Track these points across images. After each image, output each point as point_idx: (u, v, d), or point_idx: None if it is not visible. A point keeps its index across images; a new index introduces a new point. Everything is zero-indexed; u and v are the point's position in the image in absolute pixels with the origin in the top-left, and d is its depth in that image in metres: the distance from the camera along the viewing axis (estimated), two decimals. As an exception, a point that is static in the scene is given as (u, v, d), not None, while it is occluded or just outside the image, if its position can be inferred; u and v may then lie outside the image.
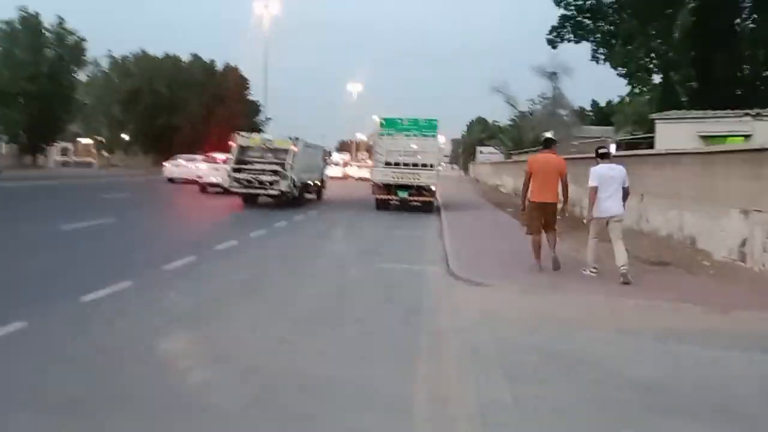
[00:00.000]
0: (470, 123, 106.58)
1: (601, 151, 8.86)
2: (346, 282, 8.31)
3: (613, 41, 22.08)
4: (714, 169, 10.73)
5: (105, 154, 60.35)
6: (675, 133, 18.46)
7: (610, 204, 8.37)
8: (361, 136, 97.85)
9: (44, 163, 48.53)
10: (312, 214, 18.26)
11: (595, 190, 8.35)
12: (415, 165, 19.89)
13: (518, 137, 48.41)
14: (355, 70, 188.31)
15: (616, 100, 68.46)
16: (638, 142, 26.72)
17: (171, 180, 31.17)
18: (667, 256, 10.64)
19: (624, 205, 8.61)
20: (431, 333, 5.76)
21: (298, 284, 7.94)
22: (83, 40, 47.86)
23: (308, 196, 22.05)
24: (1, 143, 47.32)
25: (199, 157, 32.28)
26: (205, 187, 24.77)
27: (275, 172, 18.59)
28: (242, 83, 71.07)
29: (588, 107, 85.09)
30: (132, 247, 10.31)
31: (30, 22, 45.01)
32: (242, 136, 20.36)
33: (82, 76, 53.34)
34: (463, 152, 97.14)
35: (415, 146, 19.98)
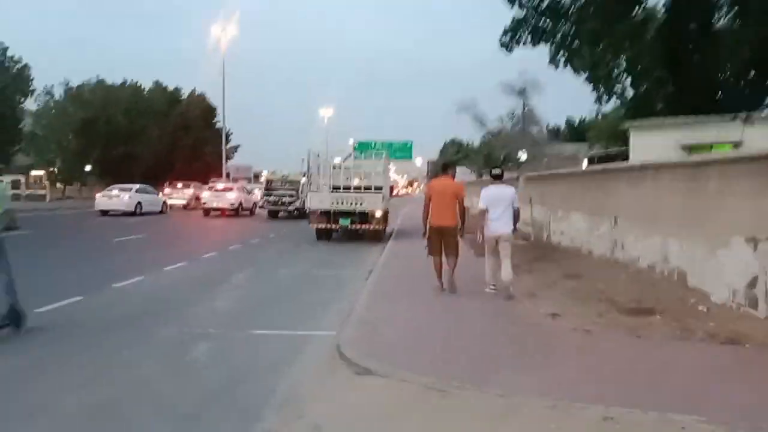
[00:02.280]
0: (444, 145, 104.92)
1: (494, 172, 9.42)
2: (175, 365, 5.59)
3: (576, 42, 19.76)
4: (705, 185, 8.21)
5: (59, 185, 57.11)
6: (652, 142, 16.02)
7: (498, 224, 8.65)
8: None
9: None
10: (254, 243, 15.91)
11: (482, 212, 8.78)
12: (357, 188, 17.34)
13: (489, 156, 46.26)
14: (327, 95, 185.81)
15: (590, 117, 67.20)
16: (612, 157, 24.50)
17: (104, 213, 28.20)
18: (649, 298, 8.06)
19: (514, 226, 8.88)
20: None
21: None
22: (26, 67, 45.22)
23: None
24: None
25: (134, 186, 30.11)
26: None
27: (292, 196, 28.40)
28: (209, 111, 68.70)
29: (563, 125, 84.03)
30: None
31: (-31, 50, 42.35)
32: (270, 172, 31.67)
33: (30, 105, 50.67)
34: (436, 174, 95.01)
35: (358, 167, 17.46)
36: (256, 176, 63.76)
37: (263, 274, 11.62)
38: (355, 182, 17.33)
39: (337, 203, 16.77)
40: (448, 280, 8.93)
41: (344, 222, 16.88)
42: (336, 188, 17.34)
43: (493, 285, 8.76)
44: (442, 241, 8.91)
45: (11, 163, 46.85)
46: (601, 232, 12.39)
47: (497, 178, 9.19)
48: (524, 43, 20.39)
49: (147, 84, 64.24)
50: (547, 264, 12.00)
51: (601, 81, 21.93)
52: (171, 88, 68.70)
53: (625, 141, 36.11)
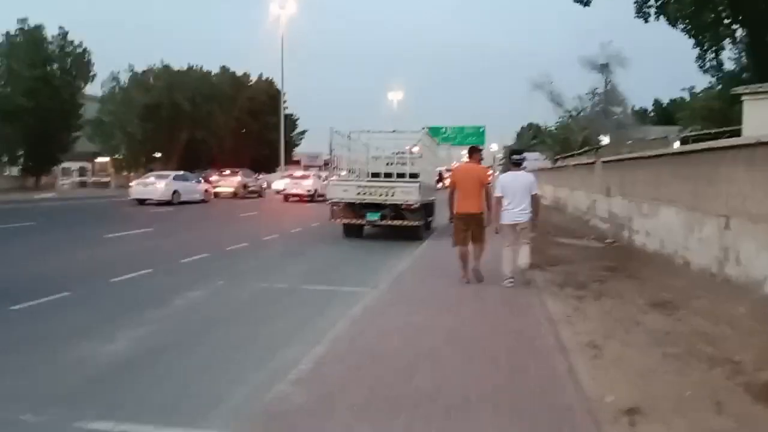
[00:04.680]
0: (521, 129, 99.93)
1: (513, 158, 9.07)
2: None
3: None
4: None
5: (125, 173, 57.15)
6: None
7: (515, 212, 8.32)
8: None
9: (51, 184, 45.40)
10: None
11: (498, 199, 8.47)
12: (388, 175, 14.36)
13: (566, 140, 41.87)
14: (399, 80, 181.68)
15: (681, 97, 61.16)
16: (713, 138, 20.31)
17: (140, 202, 26.47)
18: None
19: (535, 214, 8.52)
20: None
21: None
22: (87, 52, 44.71)
23: None
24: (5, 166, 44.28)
25: (172, 173, 28.53)
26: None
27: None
28: (276, 96, 67.31)
29: (649, 107, 77.54)
30: None
31: (31, 35, 42.06)
32: None
33: (94, 90, 50.53)
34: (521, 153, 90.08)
35: (390, 150, 14.48)
36: (326, 163, 62.06)
37: (232, 291, 8.82)
38: (386, 168, 14.34)
39: (364, 193, 13.84)
40: (473, 269, 8.58)
41: (372, 216, 13.92)
42: (370, 175, 14.48)
43: (512, 278, 8.36)
44: (469, 229, 8.51)
45: (72, 150, 46.54)
46: (704, 236, 8.88)
47: (516, 165, 8.82)
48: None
49: (214, 69, 63.55)
50: (625, 281, 8.65)
51: (708, 29, 17.27)
52: (239, 73, 68.05)
53: (724, 122, 31.22)
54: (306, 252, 12.86)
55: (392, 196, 13.70)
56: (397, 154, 14.66)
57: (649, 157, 12.43)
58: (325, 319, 6.58)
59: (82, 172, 55.60)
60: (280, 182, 41.75)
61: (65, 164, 49.34)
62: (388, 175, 14.34)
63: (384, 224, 13.96)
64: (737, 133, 15.39)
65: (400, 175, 14.21)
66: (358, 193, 13.86)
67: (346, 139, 15.16)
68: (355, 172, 14.68)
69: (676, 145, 31.18)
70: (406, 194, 13.68)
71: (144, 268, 9.77)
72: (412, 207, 13.66)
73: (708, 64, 18.61)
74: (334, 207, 14.22)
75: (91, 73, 45.98)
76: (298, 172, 38.91)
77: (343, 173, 14.84)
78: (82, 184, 52.72)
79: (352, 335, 5.67)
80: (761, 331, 5.63)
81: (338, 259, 11.98)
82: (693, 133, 28.47)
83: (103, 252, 12.31)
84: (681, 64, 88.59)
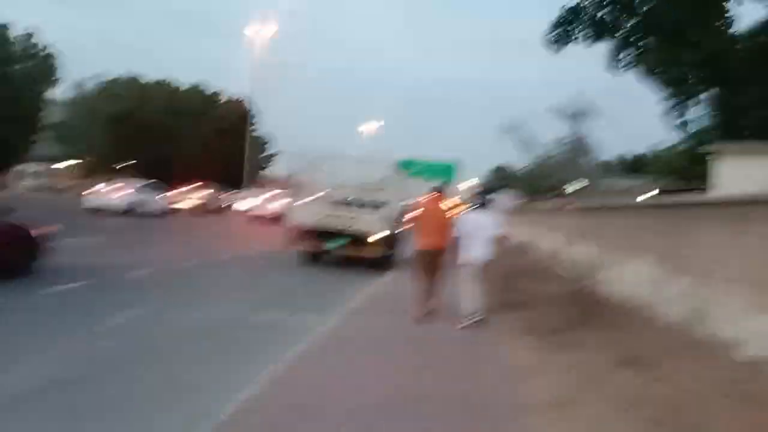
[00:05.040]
0: (492, 170, 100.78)
1: (480, 198, 9.07)
2: None
3: (645, 39, 15.73)
4: None
5: (88, 179, 55.34)
6: (750, 173, 11.68)
7: (476, 252, 8.30)
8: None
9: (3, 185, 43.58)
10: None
11: (456, 240, 8.40)
12: (350, 204, 13.77)
13: (534, 184, 42.08)
14: (371, 112, 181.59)
15: (648, 151, 62.40)
16: (686, 191, 20.32)
17: (94, 210, 25.03)
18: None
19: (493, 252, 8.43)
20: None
21: None
22: (52, 56, 43.46)
23: None
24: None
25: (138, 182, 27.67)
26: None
27: None
28: (246, 117, 66.52)
29: (613, 161, 79.02)
30: None
31: (-5, 35, 40.76)
32: None
33: (58, 95, 49.19)
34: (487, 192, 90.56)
35: (356, 177, 13.90)
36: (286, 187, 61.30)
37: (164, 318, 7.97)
38: (350, 196, 13.73)
39: (325, 220, 13.17)
40: (431, 306, 8.48)
41: (332, 245, 13.25)
42: (333, 202, 13.86)
43: (469, 317, 8.29)
44: (431, 263, 8.49)
45: (32, 151, 44.93)
46: (676, 291, 8.47)
47: (481, 204, 8.84)
48: (577, 41, 16.48)
49: (184, 86, 62.66)
50: (592, 333, 8.11)
51: (679, 84, 17.54)
52: (209, 92, 67.25)
53: (688, 178, 31.66)
54: (260, 277, 12.10)
55: (354, 225, 13.08)
56: (362, 182, 14.07)
57: (622, 207, 12.15)
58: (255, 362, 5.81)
59: (37, 176, 53.68)
60: (241, 202, 40.94)
61: (21, 166, 47.53)
62: (350, 203, 13.74)
63: (344, 254, 13.29)
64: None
65: (363, 205, 13.62)
66: (319, 220, 13.19)
67: (309, 164, 14.53)
68: (318, 197, 14.04)
69: (642, 197, 31.46)
70: (369, 224, 13.08)
71: (81, 279, 8.88)
72: (373, 238, 13.04)
73: (678, 118, 18.79)
74: (293, 232, 13.51)
75: (54, 78, 44.52)
76: (267, 194, 37.18)
77: (306, 198, 14.16)
78: (38, 189, 50.98)
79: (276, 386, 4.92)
80: (740, 410, 5.13)
81: (292, 286, 11.25)
82: (669, 188, 28.72)
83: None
84: (646, 119, 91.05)
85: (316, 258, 13.99)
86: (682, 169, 35.79)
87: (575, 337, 7.68)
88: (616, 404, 4.87)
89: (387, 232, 13.56)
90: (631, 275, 10.43)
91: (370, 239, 13.06)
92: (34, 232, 9.53)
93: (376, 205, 13.57)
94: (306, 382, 5.03)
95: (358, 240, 13.14)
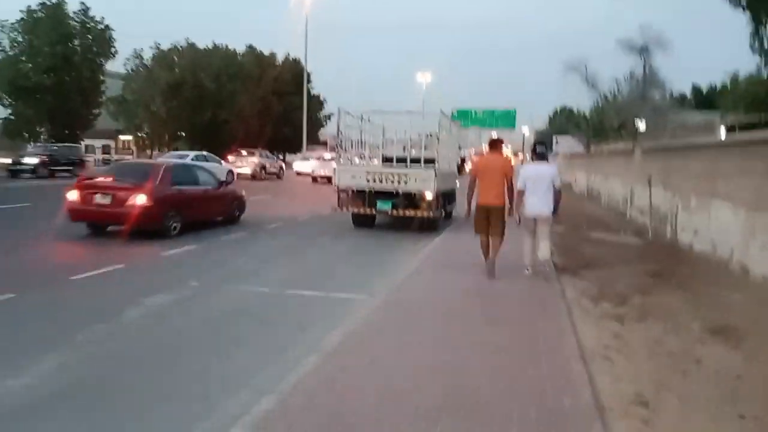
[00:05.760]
0: (554, 113, 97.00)
1: (538, 150, 8.72)
2: None
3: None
4: None
5: (148, 151, 56.61)
6: None
7: (537, 205, 8.15)
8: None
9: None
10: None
11: (520, 192, 8.28)
12: (402, 161, 12.95)
13: (600, 125, 39.81)
14: (429, 62, 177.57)
15: (722, 82, 58.27)
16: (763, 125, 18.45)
17: None
18: None
19: (556, 207, 8.24)
20: None
21: None
22: (109, 29, 43.85)
23: None
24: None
25: (190, 153, 27.58)
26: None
27: None
28: (302, 76, 66.04)
29: (688, 93, 74.25)
30: None
31: (52, 11, 41.30)
32: None
33: (117, 68, 49.87)
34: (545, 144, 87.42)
35: (406, 133, 13.06)
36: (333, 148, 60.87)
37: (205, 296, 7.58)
38: (401, 153, 12.90)
39: (375, 180, 12.46)
40: (489, 262, 8.23)
41: (383, 206, 12.52)
42: (383, 160, 13.11)
43: (528, 269, 8.36)
44: (489, 220, 8.24)
45: (94, 128, 46.01)
46: (772, 243, 7.37)
47: (540, 157, 8.59)
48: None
49: (240, 48, 62.49)
50: (673, 294, 7.17)
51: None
52: (265, 53, 66.97)
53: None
54: (316, 241, 11.68)
55: (405, 184, 12.30)
56: (413, 137, 13.21)
57: (701, 146, 10.87)
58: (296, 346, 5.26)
59: (105, 149, 55.27)
60: (302, 163, 40.60)
61: (88, 141, 48.84)
62: (401, 160, 12.92)
63: (397, 214, 12.59)
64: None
65: (416, 161, 12.78)
66: (368, 180, 12.50)
67: (358, 121, 13.76)
68: (366, 157, 13.30)
69: (722, 132, 29.13)
70: (422, 182, 12.27)
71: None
72: (427, 196, 12.25)
73: (763, 42, 16.64)
74: (342, 195, 12.89)
75: (113, 50, 45.01)
76: (327, 155, 35.42)
77: (355, 158, 13.45)
78: (106, 162, 52.47)
79: (314, 382, 4.30)
80: None
81: (341, 253, 10.69)
82: (743, 120, 26.45)
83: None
84: (723, 49, 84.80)
85: (369, 220, 13.35)
86: (764, 99, 32.98)
87: (656, 301, 6.78)
88: (709, 397, 4.03)
89: (440, 189, 12.74)
90: (717, 224, 9.30)
91: (423, 198, 12.26)
92: (241, 194, 14.05)
93: (429, 161, 12.72)
94: (344, 377, 4.42)
95: (410, 200, 12.39)
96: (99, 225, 11.17)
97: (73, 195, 10.86)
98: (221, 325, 5.96)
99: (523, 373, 4.38)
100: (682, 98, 67.35)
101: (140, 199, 10.50)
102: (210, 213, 12.90)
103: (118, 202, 10.55)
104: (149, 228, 10.66)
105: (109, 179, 11.37)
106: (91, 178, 11.86)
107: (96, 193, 10.78)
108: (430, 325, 5.68)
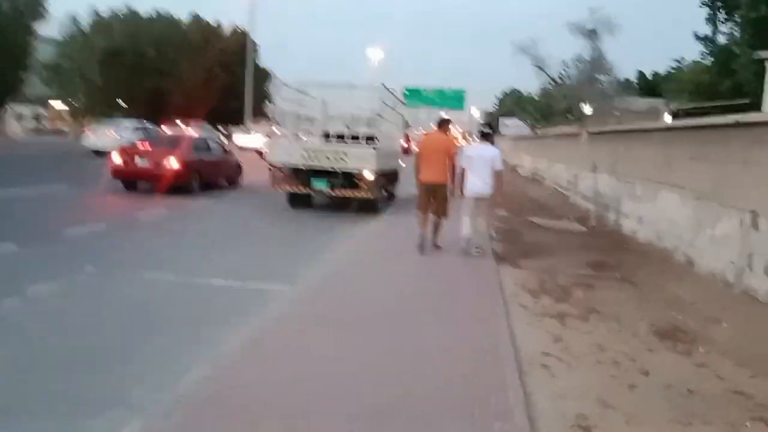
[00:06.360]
0: (503, 95, 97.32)
1: (483, 131, 8.88)
2: None
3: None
4: None
5: (82, 120, 53.78)
6: None
7: (477, 184, 8.23)
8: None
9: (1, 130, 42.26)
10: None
11: (461, 170, 8.38)
12: (341, 138, 12.16)
13: (548, 108, 39.77)
14: (379, 39, 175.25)
15: (666, 70, 59.23)
16: (707, 112, 18.42)
17: (98, 153, 23.38)
18: None
19: (498, 188, 8.30)
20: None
21: None
22: (40, -10, 41.01)
23: None
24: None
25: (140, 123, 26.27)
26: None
27: None
28: (250, 48, 63.82)
29: (633, 78, 75.48)
30: None
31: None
32: None
33: (51, 32, 46.95)
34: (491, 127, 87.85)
35: (340, 106, 12.24)
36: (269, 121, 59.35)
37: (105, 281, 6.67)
38: (340, 130, 12.07)
39: (312, 158, 11.64)
40: (432, 242, 8.48)
41: (319, 185, 11.74)
42: (323, 137, 12.29)
43: (470, 239, 8.40)
44: (431, 197, 8.40)
45: (22, 93, 43.27)
46: (720, 234, 6.98)
47: (485, 137, 8.67)
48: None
49: (184, 17, 59.92)
50: (617, 289, 6.72)
51: None
52: (212, 23, 64.43)
53: (712, 96, 29.36)
54: (248, 224, 10.79)
55: (344, 162, 11.54)
56: (354, 113, 12.38)
57: (650, 130, 10.47)
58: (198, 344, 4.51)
59: (37, 118, 52.30)
60: (244, 137, 39.30)
61: (13, 107, 45.95)
62: (341, 137, 12.10)
63: (334, 194, 11.82)
64: (742, 109, 13.46)
65: (356, 138, 11.99)
66: (304, 157, 11.67)
67: (296, 93, 12.83)
68: (305, 132, 12.43)
69: (668, 118, 29.35)
70: (361, 161, 11.52)
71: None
72: (367, 176, 11.52)
73: (718, 24, 16.48)
74: (276, 172, 12.01)
75: (43, 11, 42.19)
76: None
77: (296, 134, 12.53)
78: (39, 131, 49.73)
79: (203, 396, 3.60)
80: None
81: (269, 236, 9.87)
82: (688, 107, 26.59)
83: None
84: (668, 35, 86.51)
85: (304, 200, 12.53)
86: (706, 87, 33.41)
87: (600, 296, 6.29)
88: (659, 418, 3.49)
89: (381, 169, 12.04)
90: (663, 213, 8.92)
91: (363, 178, 11.52)
92: (239, 162, 16.82)
93: (369, 138, 11.96)
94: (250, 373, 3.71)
95: (349, 179, 11.64)
96: (133, 182, 13.90)
97: (116, 158, 13.52)
98: (108, 321, 5.10)
99: (447, 390, 3.74)
100: (628, 83, 68.46)
101: (173, 162, 13.17)
102: (219, 176, 15.71)
103: (155, 165, 13.26)
104: (178, 185, 13.23)
105: (147, 147, 14.23)
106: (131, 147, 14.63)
107: (136, 156, 13.56)
108: (349, 326, 4.97)
